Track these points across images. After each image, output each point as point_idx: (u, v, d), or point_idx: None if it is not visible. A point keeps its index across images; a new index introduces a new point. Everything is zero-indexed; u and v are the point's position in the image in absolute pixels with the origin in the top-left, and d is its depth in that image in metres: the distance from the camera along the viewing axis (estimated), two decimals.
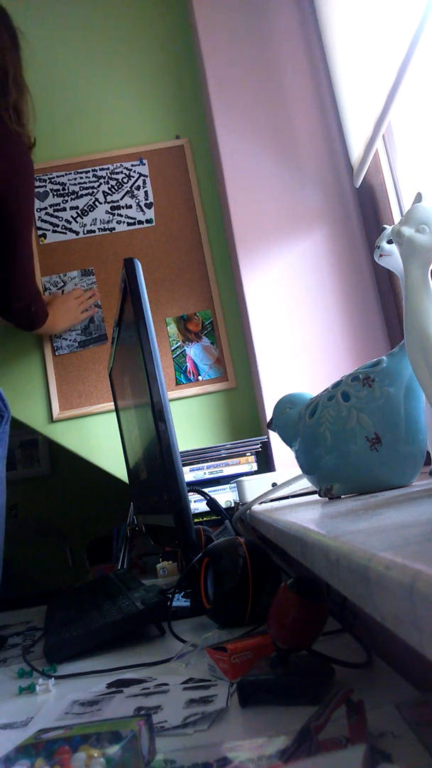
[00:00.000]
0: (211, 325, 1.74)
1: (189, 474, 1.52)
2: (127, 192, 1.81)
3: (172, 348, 1.73)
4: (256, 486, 1.23)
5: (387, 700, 0.54)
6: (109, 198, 1.81)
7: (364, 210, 1.62)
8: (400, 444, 0.75)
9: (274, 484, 1.19)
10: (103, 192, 1.81)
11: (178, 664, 0.77)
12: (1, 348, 1.75)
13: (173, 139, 1.85)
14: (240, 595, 0.90)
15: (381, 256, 0.79)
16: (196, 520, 1.45)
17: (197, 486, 1.43)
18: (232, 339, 1.73)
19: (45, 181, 1.81)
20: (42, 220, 1.79)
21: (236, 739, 0.51)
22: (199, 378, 1.71)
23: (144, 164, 1.82)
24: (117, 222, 1.80)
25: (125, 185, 1.81)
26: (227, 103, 1.68)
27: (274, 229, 1.63)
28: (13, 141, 1.37)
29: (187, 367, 1.72)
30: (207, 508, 1.34)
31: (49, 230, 1.79)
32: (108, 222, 1.80)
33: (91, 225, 1.79)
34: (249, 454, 1.55)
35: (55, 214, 1.80)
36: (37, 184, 1.77)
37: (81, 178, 1.82)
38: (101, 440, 1.70)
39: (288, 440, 0.88)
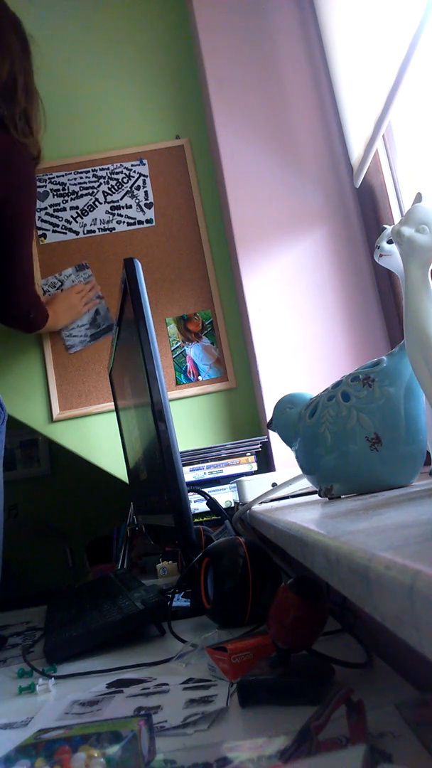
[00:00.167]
0: (211, 325, 1.74)
1: (189, 474, 1.52)
2: (127, 192, 1.81)
3: (172, 348, 1.73)
4: (256, 486, 1.23)
5: (387, 700, 0.54)
6: (109, 198, 1.81)
7: (364, 210, 1.62)
8: (400, 444, 0.75)
9: (274, 484, 1.19)
10: (103, 192, 1.81)
11: (178, 664, 0.77)
12: (1, 348, 1.75)
13: (173, 139, 1.85)
14: (240, 595, 0.90)
15: (381, 256, 0.79)
16: (196, 520, 1.45)
17: (197, 486, 1.43)
18: (232, 339, 1.73)
19: (45, 181, 1.81)
20: (42, 220, 1.79)
21: (236, 739, 0.51)
22: (199, 378, 1.71)
23: (144, 164, 1.82)
24: (117, 222, 1.80)
25: (125, 185, 1.81)
26: (227, 103, 1.68)
27: (274, 229, 1.63)
28: (16, 151, 1.36)
29: (187, 367, 1.72)
30: (207, 508, 1.34)
31: (49, 230, 1.79)
32: (108, 222, 1.80)
33: (91, 225, 1.79)
34: (249, 454, 1.55)
35: (55, 214, 1.80)
36: (37, 184, 1.76)
37: (81, 178, 1.82)
38: (101, 440, 1.70)
39: (288, 440, 0.88)
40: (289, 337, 1.58)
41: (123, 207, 1.80)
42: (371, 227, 1.59)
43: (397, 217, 1.45)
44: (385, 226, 0.81)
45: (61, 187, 1.81)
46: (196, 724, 0.56)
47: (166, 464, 0.95)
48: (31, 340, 1.75)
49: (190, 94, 1.87)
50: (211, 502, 1.24)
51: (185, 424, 1.68)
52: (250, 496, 1.22)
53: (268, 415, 1.52)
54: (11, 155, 1.35)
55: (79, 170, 1.82)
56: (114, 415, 1.67)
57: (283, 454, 1.54)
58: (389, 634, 0.65)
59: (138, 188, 1.81)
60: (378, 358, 0.80)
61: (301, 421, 0.84)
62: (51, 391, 1.71)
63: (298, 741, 0.44)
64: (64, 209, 1.80)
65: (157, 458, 1.00)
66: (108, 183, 1.82)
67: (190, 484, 1.49)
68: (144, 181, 1.82)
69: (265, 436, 1.57)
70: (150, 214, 1.80)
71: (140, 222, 1.80)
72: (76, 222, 1.79)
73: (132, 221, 1.80)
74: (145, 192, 1.81)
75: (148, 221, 1.80)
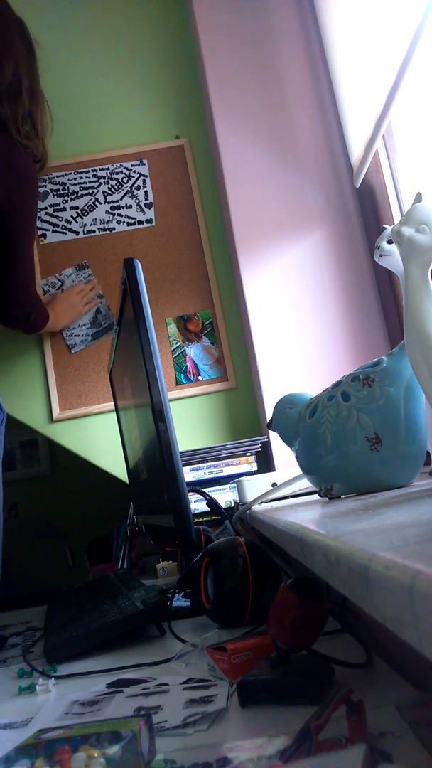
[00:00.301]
0: (211, 325, 1.74)
1: (189, 474, 1.52)
2: (127, 192, 1.81)
3: (172, 348, 1.73)
4: (256, 486, 1.23)
5: (387, 700, 0.54)
6: (109, 198, 1.81)
7: (364, 210, 1.62)
8: (400, 444, 0.75)
9: (274, 484, 1.19)
10: (103, 192, 1.81)
11: (178, 664, 0.77)
12: (1, 348, 1.75)
13: (173, 139, 1.85)
14: (240, 595, 0.90)
15: (381, 256, 0.79)
16: (196, 520, 1.45)
17: (197, 486, 1.43)
18: (232, 339, 1.73)
19: (45, 181, 1.81)
20: (42, 220, 1.79)
21: (236, 739, 0.51)
22: (199, 378, 1.71)
23: (144, 164, 1.82)
24: (117, 222, 1.80)
25: (125, 185, 1.81)
26: (227, 103, 1.68)
27: (274, 229, 1.63)
28: (18, 153, 1.36)
29: (187, 367, 1.72)
30: (207, 508, 1.34)
31: (49, 230, 1.79)
32: (108, 222, 1.80)
33: (91, 225, 1.79)
34: (249, 454, 1.55)
35: (55, 214, 1.80)
36: (38, 185, 1.76)
37: (81, 178, 1.82)
38: (101, 440, 1.70)
39: (288, 440, 0.88)
40: (289, 337, 1.58)
41: (123, 207, 1.80)
42: (371, 227, 1.59)
43: (397, 217, 1.45)
44: (385, 226, 0.81)
45: (61, 187, 1.81)
46: (196, 724, 0.56)
47: (166, 464, 0.95)
48: (31, 341, 1.75)
49: (190, 94, 1.87)
50: (211, 502, 1.24)
51: (185, 424, 1.68)
52: (250, 496, 1.22)
53: (268, 415, 1.52)
54: (13, 157, 1.35)
55: (79, 170, 1.82)
56: (114, 415, 1.67)
57: (283, 454, 1.54)
58: (389, 634, 0.65)
59: (138, 188, 1.81)
60: (378, 358, 0.80)
61: (301, 421, 0.84)
62: (51, 391, 1.71)
63: (298, 741, 0.44)
64: (64, 209, 1.80)
65: (157, 458, 1.00)
66: (108, 183, 1.82)
67: (190, 484, 1.49)
68: (144, 181, 1.82)
69: (265, 436, 1.57)
70: (150, 214, 1.80)
71: (140, 222, 1.80)
72: (76, 222, 1.79)
73: (132, 221, 1.80)
74: (145, 192, 1.81)
75: (148, 221, 1.80)
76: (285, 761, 0.42)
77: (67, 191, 1.81)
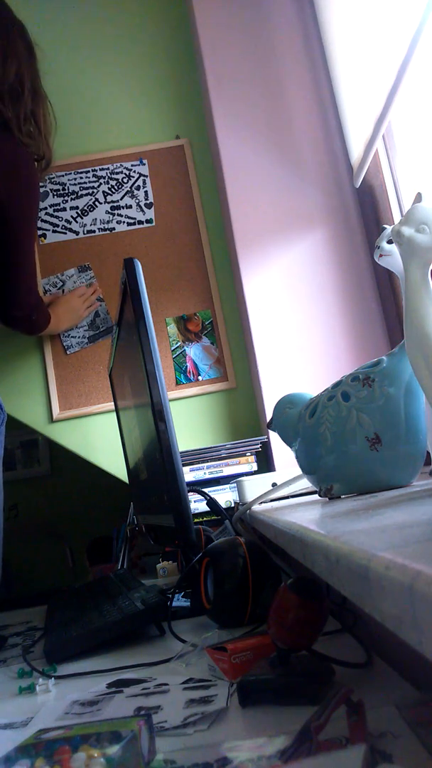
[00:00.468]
0: (211, 325, 1.74)
1: (189, 474, 1.52)
2: (127, 192, 1.81)
3: (172, 348, 1.73)
4: (256, 486, 1.23)
5: (387, 700, 0.54)
6: (109, 198, 1.81)
7: (364, 210, 1.62)
8: (400, 444, 0.75)
9: (274, 484, 1.19)
10: (103, 192, 1.81)
11: (178, 664, 0.77)
12: (1, 348, 1.75)
13: (173, 139, 1.85)
14: (240, 595, 0.90)
15: (381, 256, 0.79)
16: (196, 520, 1.45)
17: (197, 486, 1.43)
18: (232, 339, 1.73)
19: (45, 181, 1.81)
20: (42, 220, 1.79)
21: (236, 739, 0.51)
22: (199, 378, 1.71)
23: (144, 164, 1.82)
24: (117, 222, 1.80)
25: (125, 185, 1.81)
26: (227, 104, 1.68)
27: (274, 229, 1.63)
28: (19, 153, 1.36)
29: (187, 367, 1.72)
30: (207, 508, 1.34)
31: (49, 230, 1.79)
32: (108, 222, 1.80)
33: (91, 225, 1.79)
34: (249, 454, 1.54)
35: (55, 214, 1.80)
36: (40, 186, 1.76)
37: (81, 178, 1.82)
38: (101, 440, 1.70)
39: (288, 440, 0.88)
40: (289, 337, 1.58)
41: (123, 207, 1.80)
42: (371, 227, 1.59)
43: (397, 217, 1.45)
44: (385, 226, 0.81)
45: (61, 187, 1.81)
46: (196, 724, 0.56)
47: (166, 464, 0.95)
48: (31, 341, 1.75)
49: (190, 94, 1.87)
50: (211, 502, 1.24)
51: (185, 424, 1.68)
52: (250, 496, 1.22)
53: (268, 415, 1.52)
54: (14, 157, 1.35)
55: (79, 170, 1.82)
56: (114, 415, 1.67)
57: (283, 454, 1.54)
58: (389, 634, 0.65)
59: (138, 188, 1.81)
60: (378, 358, 0.80)
61: (301, 421, 0.84)
62: (51, 391, 1.71)
63: (298, 741, 0.44)
64: (64, 209, 1.80)
65: (157, 458, 1.00)
66: (108, 183, 1.82)
67: (190, 484, 1.49)
68: (144, 181, 1.82)
69: (265, 436, 1.57)
70: (150, 214, 1.80)
71: (140, 222, 1.80)
72: (76, 222, 1.79)
73: (132, 221, 1.80)
74: (145, 192, 1.81)
75: (148, 221, 1.80)
76: (285, 761, 0.42)
77: (67, 191, 1.81)
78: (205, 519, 1.46)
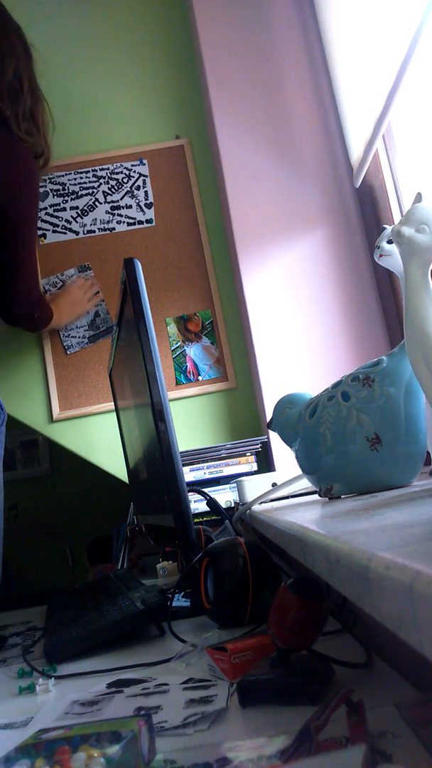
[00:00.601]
0: (211, 325, 1.74)
1: (189, 474, 1.52)
2: (127, 192, 1.81)
3: (172, 348, 1.73)
4: (256, 486, 1.23)
5: (387, 700, 0.54)
6: (109, 198, 1.81)
7: (364, 210, 1.62)
8: (400, 444, 0.75)
9: (274, 484, 1.19)
10: (103, 192, 1.81)
11: (178, 664, 0.77)
12: (1, 348, 1.75)
13: (173, 139, 1.85)
14: (240, 595, 0.90)
15: (381, 256, 0.79)
16: (196, 520, 1.45)
17: (197, 486, 1.43)
18: (232, 339, 1.73)
19: (45, 181, 1.81)
20: (42, 220, 1.79)
21: (236, 739, 0.51)
22: (199, 378, 1.71)
23: (144, 164, 1.82)
24: (117, 222, 1.80)
25: (125, 185, 1.81)
26: (227, 104, 1.68)
27: (274, 229, 1.63)
28: (19, 150, 1.36)
29: (187, 367, 1.72)
30: (207, 508, 1.34)
31: (49, 230, 1.79)
32: (108, 222, 1.80)
33: (91, 225, 1.79)
34: (249, 454, 1.54)
35: (55, 214, 1.80)
36: (40, 184, 1.77)
37: (81, 178, 1.82)
38: (101, 440, 1.70)
39: (288, 440, 0.88)
40: (289, 337, 1.58)
41: (123, 207, 1.80)
42: (371, 227, 1.59)
43: (397, 217, 1.45)
44: (385, 226, 0.81)
45: (61, 187, 1.81)
46: (196, 724, 0.56)
47: (166, 464, 0.95)
48: (31, 341, 1.75)
49: (190, 94, 1.87)
50: (211, 502, 1.24)
51: (185, 424, 1.68)
52: (250, 496, 1.22)
53: (268, 415, 1.52)
54: (14, 152, 1.36)
55: (79, 170, 1.82)
56: (114, 415, 1.67)
57: (283, 454, 1.54)
58: (389, 634, 0.64)
59: (138, 188, 1.81)
60: (378, 358, 0.80)
61: (301, 421, 0.84)
62: (51, 391, 1.71)
63: (298, 741, 0.44)
64: (64, 209, 1.80)
65: (157, 458, 1.00)
66: (108, 183, 1.82)
67: (190, 484, 1.49)
68: (144, 181, 1.82)
69: (265, 436, 1.57)
70: (150, 214, 1.80)
71: (140, 222, 1.80)
72: (76, 222, 1.79)
73: (132, 221, 1.80)
74: (145, 192, 1.81)
75: (148, 221, 1.80)
76: (285, 761, 0.42)
77: (67, 191, 1.81)
78: (205, 519, 1.46)
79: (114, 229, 1.79)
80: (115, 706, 0.65)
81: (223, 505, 1.37)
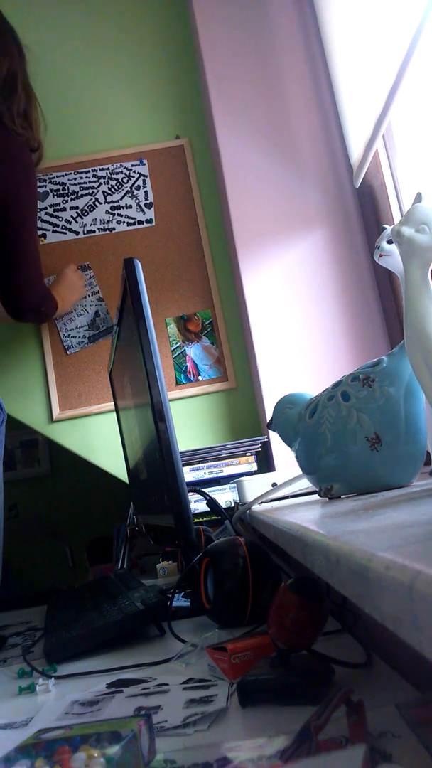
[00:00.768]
0: (211, 325, 1.74)
1: (189, 474, 1.52)
2: (127, 192, 1.81)
3: (172, 348, 1.73)
4: (256, 486, 1.23)
5: (387, 700, 0.54)
6: (109, 198, 1.81)
7: (364, 210, 1.62)
8: (400, 444, 0.75)
9: (274, 484, 1.20)
10: (103, 192, 1.81)
11: (178, 664, 0.77)
12: (1, 348, 1.75)
13: (173, 139, 1.85)
14: (240, 595, 0.90)
15: (381, 256, 0.79)
16: (196, 520, 1.45)
17: (197, 486, 1.43)
18: (232, 339, 1.73)
19: (45, 181, 1.81)
20: (42, 220, 1.79)
21: (236, 739, 0.51)
22: (199, 378, 1.71)
23: (144, 164, 1.82)
24: (117, 222, 1.80)
25: (125, 185, 1.81)
26: (227, 104, 1.68)
27: (274, 229, 1.63)
28: (13, 142, 1.38)
29: (187, 367, 1.72)
30: (207, 508, 1.34)
31: (49, 230, 1.79)
32: (108, 222, 1.80)
33: (91, 225, 1.79)
34: (249, 454, 1.54)
35: (55, 214, 1.80)
36: (37, 184, 1.77)
37: (81, 178, 1.82)
38: (101, 440, 1.70)
39: (288, 440, 0.88)
40: (289, 337, 1.58)
41: (123, 207, 1.80)
42: (371, 227, 1.59)
43: (397, 217, 1.45)
44: (385, 226, 0.81)
45: (61, 187, 1.81)
46: (196, 724, 0.56)
47: (166, 464, 0.95)
48: (31, 341, 1.75)
49: (190, 94, 1.87)
50: (211, 502, 1.24)
51: (185, 424, 1.68)
52: (250, 496, 1.22)
53: (268, 415, 1.52)
54: (10, 147, 1.37)
55: (79, 170, 1.82)
56: (114, 415, 1.67)
57: (283, 454, 1.54)
58: (389, 634, 0.65)
59: (138, 188, 1.81)
60: (378, 358, 0.80)
61: (301, 421, 0.84)
62: (51, 391, 1.71)
63: (298, 741, 0.44)
64: (64, 209, 1.80)
65: (157, 458, 1.00)
66: (108, 183, 1.82)
67: (190, 484, 1.49)
68: (144, 181, 1.82)
69: (265, 436, 1.57)
70: (150, 214, 1.80)
71: (140, 222, 1.80)
72: (76, 222, 1.79)
73: (132, 221, 1.80)
74: (145, 192, 1.81)
75: (148, 221, 1.80)
76: (285, 761, 0.42)
77: (67, 191, 1.81)
78: (205, 519, 1.46)
79: (114, 229, 1.79)
80: (115, 706, 0.65)
81: (223, 505, 1.37)
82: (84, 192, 1.81)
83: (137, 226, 1.79)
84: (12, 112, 1.38)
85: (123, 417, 1.55)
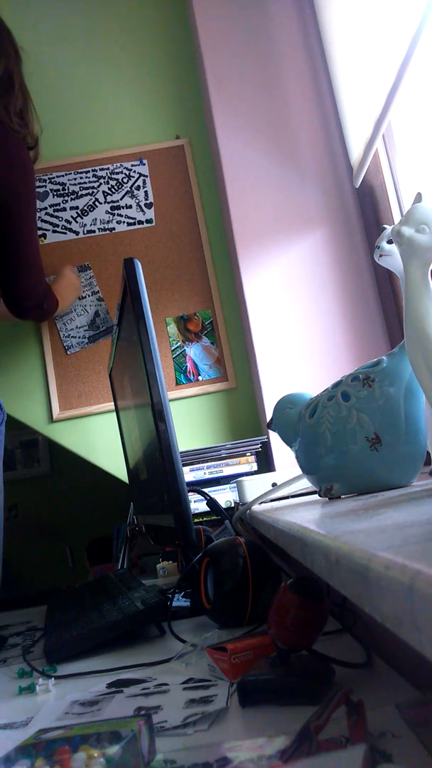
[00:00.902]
0: (211, 325, 1.74)
1: (189, 474, 1.52)
2: (127, 192, 1.81)
3: (172, 348, 1.73)
4: (256, 486, 1.23)
5: (387, 700, 0.54)
6: (109, 198, 1.81)
7: (364, 210, 1.62)
8: (400, 444, 0.75)
9: (274, 484, 1.19)
10: (103, 192, 1.81)
11: (178, 664, 0.77)
12: (1, 348, 1.75)
13: (173, 139, 1.85)
14: (240, 595, 0.90)
15: (381, 256, 0.79)
16: (196, 520, 1.45)
17: (197, 486, 1.43)
18: (232, 339, 1.73)
19: (45, 181, 1.81)
20: (42, 220, 1.79)
21: (236, 739, 0.51)
22: (199, 378, 1.71)
23: (144, 164, 1.82)
24: (117, 222, 1.80)
25: (125, 185, 1.81)
26: (227, 103, 1.68)
27: (274, 229, 1.63)
28: (11, 138, 1.38)
29: (187, 367, 1.72)
30: (207, 508, 1.34)
31: (49, 230, 1.79)
32: (108, 222, 1.80)
33: (91, 225, 1.79)
34: (249, 454, 1.54)
35: (55, 214, 1.80)
36: (37, 184, 1.77)
37: (81, 178, 1.82)
38: (101, 440, 1.70)
39: (288, 440, 0.88)
40: (289, 337, 1.58)
41: (123, 207, 1.80)
42: (371, 227, 1.59)
43: (397, 217, 1.45)
44: (385, 226, 0.81)
45: (61, 187, 1.81)
46: (196, 724, 0.56)
47: (166, 464, 0.95)
48: (31, 341, 1.75)
49: (190, 94, 1.87)
50: (211, 502, 1.24)
51: (185, 424, 1.68)
52: (250, 496, 1.22)
53: (268, 415, 1.52)
54: (11, 147, 1.37)
55: (79, 170, 1.82)
56: (114, 415, 1.67)
57: (283, 454, 1.54)
58: (389, 634, 0.65)
59: (138, 188, 1.81)
60: (378, 358, 0.80)
61: (301, 421, 0.84)
62: (51, 391, 1.71)
63: (298, 741, 0.44)
64: (64, 209, 1.80)
65: (157, 458, 1.00)
66: (108, 183, 1.82)
67: (190, 484, 1.49)
68: (144, 181, 1.82)
69: (265, 436, 1.57)
70: (150, 214, 1.80)
71: (140, 222, 1.80)
72: (76, 222, 1.79)
73: (132, 221, 1.80)
74: (145, 192, 1.81)
75: (148, 221, 1.80)
76: (285, 761, 0.42)
77: (67, 191, 1.81)
78: (205, 519, 1.46)
79: (114, 229, 1.79)
80: (115, 706, 0.65)
81: (223, 505, 1.37)
82: (84, 192, 1.81)
83: (137, 226, 1.79)
84: (9, 110, 1.39)
85: (123, 417, 1.55)
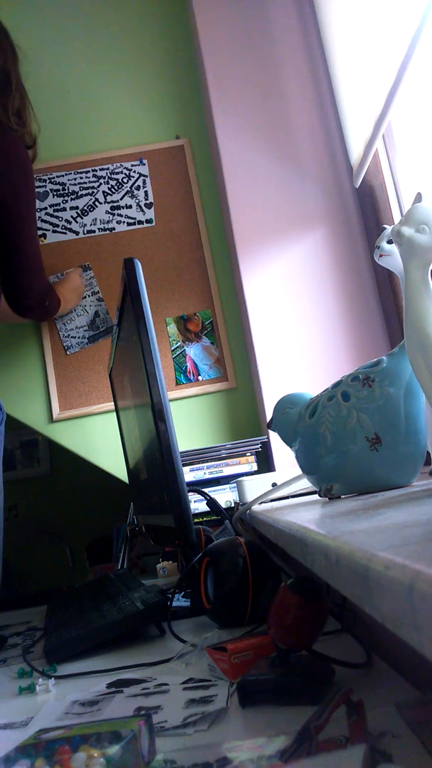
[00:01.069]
0: (211, 325, 1.74)
1: (189, 474, 1.52)
2: (127, 192, 1.81)
3: (172, 348, 1.73)
4: (256, 486, 1.23)
5: (387, 700, 0.54)
6: (109, 198, 1.81)
7: (364, 210, 1.62)
8: (400, 444, 0.75)
9: (274, 484, 1.19)
10: (103, 192, 1.81)
11: (178, 664, 0.77)
12: (1, 348, 1.75)
13: (173, 139, 1.85)
14: (240, 595, 0.90)
15: (381, 256, 0.79)
16: (196, 520, 1.45)
17: (197, 486, 1.43)
18: (232, 339, 1.73)
19: (45, 181, 1.81)
20: (42, 220, 1.79)
21: (236, 739, 0.51)
22: (199, 378, 1.71)
23: (144, 164, 1.82)
24: (117, 222, 1.80)
25: (125, 185, 1.81)
26: (227, 103, 1.68)
27: (274, 229, 1.63)
28: (11, 139, 1.38)
29: (187, 367, 1.72)
30: (207, 508, 1.34)
31: (49, 230, 1.79)
32: (108, 222, 1.80)
33: (91, 225, 1.79)
34: (249, 454, 1.54)
35: (55, 214, 1.80)
36: (37, 184, 1.77)
37: (81, 178, 1.82)
38: (101, 440, 1.70)
39: (288, 440, 0.88)
40: (289, 337, 1.58)
41: (123, 207, 1.80)
42: (371, 227, 1.59)
43: (397, 217, 1.45)
44: (385, 226, 0.81)
45: (61, 187, 1.81)
46: (196, 724, 0.56)
47: (166, 464, 0.95)
48: (31, 341, 1.75)
49: (190, 94, 1.87)
50: (211, 502, 1.24)
51: (185, 424, 1.68)
52: (250, 496, 1.22)
53: (268, 415, 1.52)
54: (9, 145, 1.37)
55: (79, 170, 1.82)
56: (114, 415, 1.67)
57: (283, 454, 1.54)
58: (389, 634, 0.65)
59: (138, 188, 1.81)
60: (378, 358, 0.80)
61: (301, 421, 0.84)
62: (51, 391, 1.71)
63: (298, 741, 0.44)
64: (64, 209, 1.80)
65: (157, 458, 1.00)
66: (108, 183, 1.82)
67: (190, 484, 1.49)
68: (144, 181, 1.82)
69: (265, 436, 1.57)
70: (150, 214, 1.80)
71: (140, 222, 1.80)
72: (76, 222, 1.79)
73: (132, 221, 1.80)
74: (145, 192, 1.81)
75: (148, 221, 1.80)
76: (285, 761, 0.42)
77: (67, 191, 1.81)
78: (205, 519, 1.46)
79: (114, 229, 1.79)
80: (115, 706, 0.65)
81: (223, 505, 1.37)
82: (84, 192, 1.81)
83: (137, 226, 1.79)
84: (7, 109, 1.39)
85: (123, 417, 1.55)
